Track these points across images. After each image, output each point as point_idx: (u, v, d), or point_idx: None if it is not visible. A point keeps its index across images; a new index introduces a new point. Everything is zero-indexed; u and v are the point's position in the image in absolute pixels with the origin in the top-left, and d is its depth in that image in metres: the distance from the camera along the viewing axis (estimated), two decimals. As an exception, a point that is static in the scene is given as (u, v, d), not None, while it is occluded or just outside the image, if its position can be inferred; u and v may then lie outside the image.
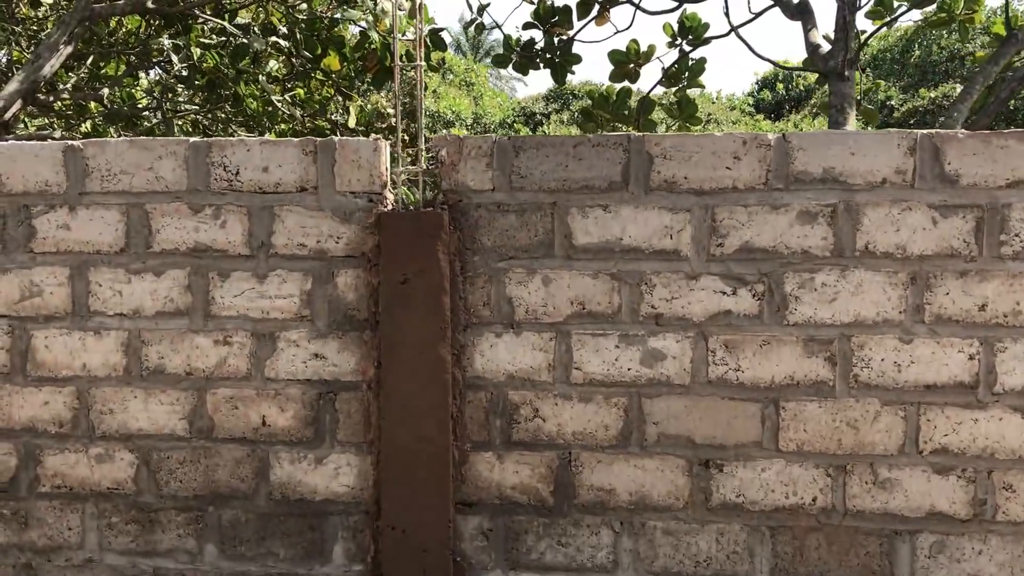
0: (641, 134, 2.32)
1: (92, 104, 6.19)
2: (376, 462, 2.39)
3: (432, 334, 2.34)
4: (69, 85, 5.56)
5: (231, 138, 2.43)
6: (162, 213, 2.41)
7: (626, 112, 6.11)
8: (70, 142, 2.45)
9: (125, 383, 2.43)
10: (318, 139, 2.40)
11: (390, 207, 2.44)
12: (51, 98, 5.06)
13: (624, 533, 2.32)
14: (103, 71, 5.84)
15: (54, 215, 2.44)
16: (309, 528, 2.41)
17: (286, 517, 2.41)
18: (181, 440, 2.43)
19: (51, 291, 2.44)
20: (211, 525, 2.43)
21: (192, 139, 2.44)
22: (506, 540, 2.35)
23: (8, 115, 3.99)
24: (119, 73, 5.93)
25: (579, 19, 6.60)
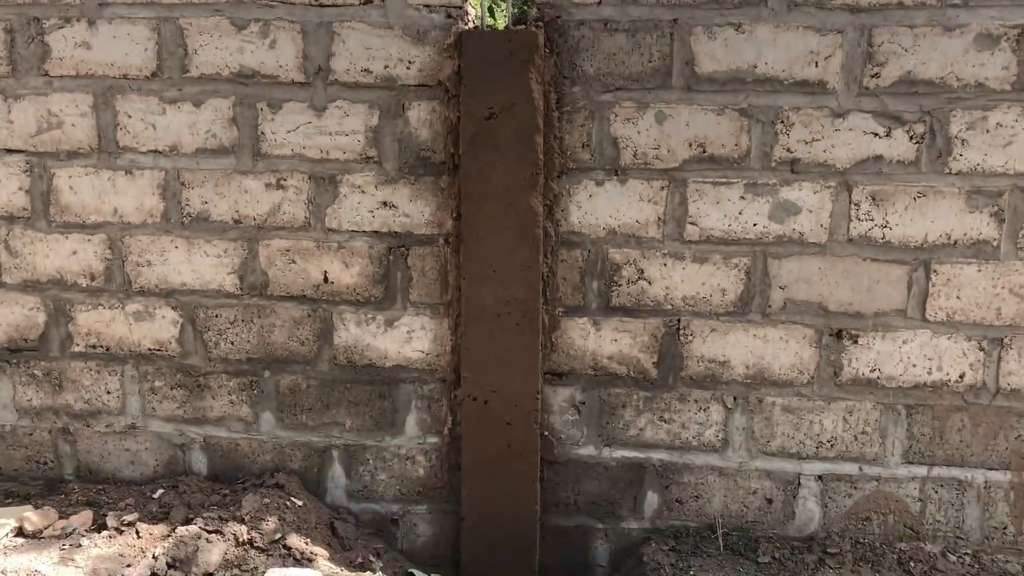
0: (788, -67, 1.98)
1: None
2: (454, 326, 2.21)
3: (521, 181, 2.11)
4: None
5: (279, -65, 2.11)
6: (199, 29, 2.13)
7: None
8: (84, -62, 2.14)
9: (163, 231, 2.24)
10: (385, -63, 2.07)
11: (472, 25, 2.14)
12: None
13: (737, 409, 2.17)
14: None
15: (71, 30, 2.17)
16: (378, 396, 2.27)
17: (352, 384, 2.27)
18: (231, 297, 2.26)
19: (72, 122, 2.21)
20: (267, 391, 2.29)
21: (232, -64, 2.12)
22: (600, 414, 2.21)
23: None
24: None
25: None
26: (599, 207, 2.18)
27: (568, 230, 2.21)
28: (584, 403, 2.28)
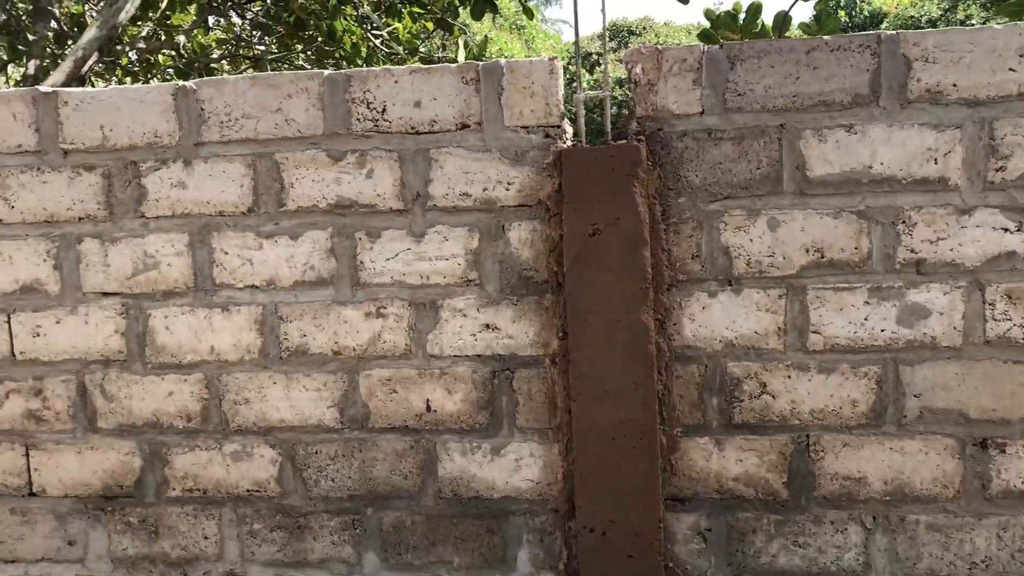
0: (895, 31, 2.01)
1: (160, 58, 6.00)
2: (565, 452, 2.17)
3: (630, 296, 2.10)
4: (142, 33, 5.35)
5: (374, 68, 2.20)
6: (295, 163, 2.20)
7: (756, 31, 5.70)
8: (180, 83, 2.24)
9: (261, 367, 2.25)
10: (479, 63, 2.14)
11: (570, 143, 2.18)
12: (126, 47, 4.85)
13: (878, 530, 2.08)
14: (170, 20, 5.62)
15: (167, 172, 2.24)
16: (487, 531, 2.22)
17: (459, 518, 2.22)
18: (331, 432, 2.25)
19: (168, 262, 2.26)
20: (370, 530, 2.25)
21: (327, 72, 2.21)
22: (728, 541, 2.13)
23: (86, 68, 3.81)
24: (191, 21, 5.72)
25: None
26: (714, 319, 2.16)
27: (682, 344, 2.18)
28: (710, 530, 2.21)
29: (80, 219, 2.32)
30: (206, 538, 2.36)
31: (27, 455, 2.40)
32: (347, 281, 2.25)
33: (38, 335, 2.36)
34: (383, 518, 2.30)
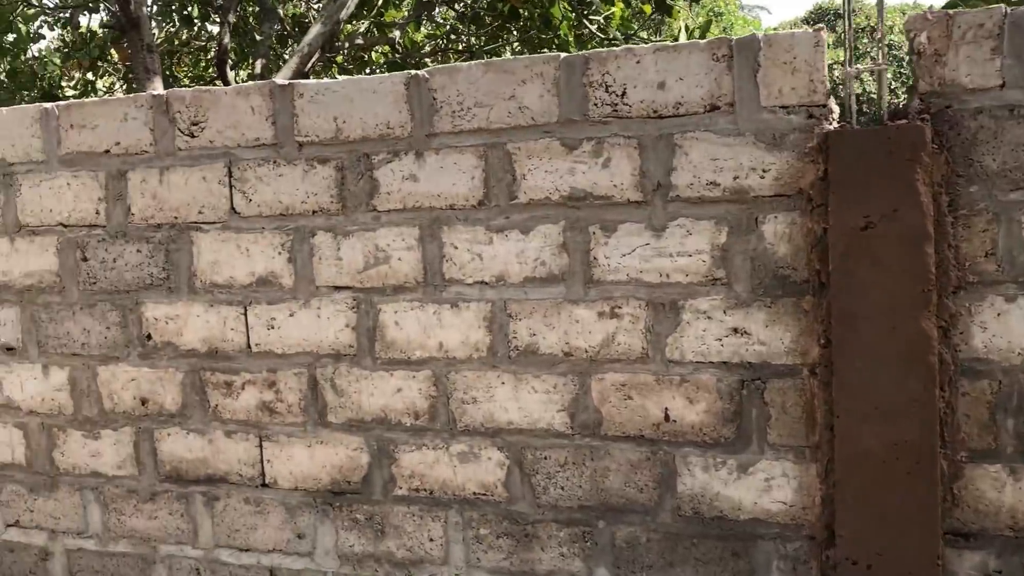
0: None
1: (373, 55, 6.23)
2: (824, 473, 1.96)
3: (908, 299, 1.86)
4: (359, 30, 5.55)
5: (614, 48, 2.06)
6: (528, 153, 2.10)
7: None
8: (413, 72, 2.20)
9: (489, 366, 2.18)
10: (732, 38, 1.95)
11: (837, 124, 1.95)
12: (344, 44, 5.05)
13: None
14: (384, 17, 5.80)
15: (399, 164, 2.21)
16: (732, 554, 2.04)
17: (700, 539, 2.06)
18: (561, 437, 2.14)
19: (399, 256, 2.24)
20: (602, 544, 2.13)
21: (563, 55, 2.09)
22: (1025, 587, 1.83)
23: (308, 65, 3.97)
24: (403, 16, 5.88)
25: None
26: (1012, 328, 1.87)
27: (970, 356, 1.91)
28: (1000, 572, 1.92)
29: (313, 212, 2.35)
30: (431, 540, 2.33)
31: (260, 446, 2.47)
32: (579, 278, 2.14)
33: (272, 327, 2.42)
34: (616, 532, 2.17)
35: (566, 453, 2.19)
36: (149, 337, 2.53)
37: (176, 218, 2.47)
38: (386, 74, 2.29)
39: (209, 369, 2.49)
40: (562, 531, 2.21)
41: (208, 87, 2.47)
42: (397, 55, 5.82)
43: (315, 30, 4.07)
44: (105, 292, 2.56)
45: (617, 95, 2.08)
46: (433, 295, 2.26)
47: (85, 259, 2.57)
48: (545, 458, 2.21)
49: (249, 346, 2.44)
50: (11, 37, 5.40)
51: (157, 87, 4.72)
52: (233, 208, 2.42)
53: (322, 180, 2.33)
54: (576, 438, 2.18)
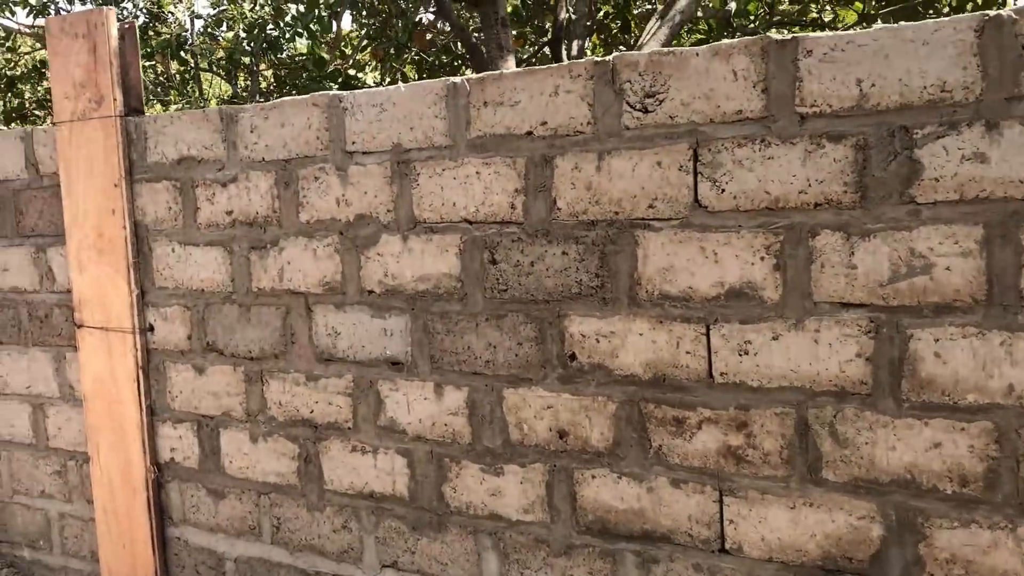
0: None
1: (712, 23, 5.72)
2: None
3: None
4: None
5: None
6: None
7: None
8: (992, 13, 1.58)
9: (1092, 421, 1.53)
10: None
11: None
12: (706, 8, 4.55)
13: None
14: None
15: (956, 139, 1.64)
16: None
17: None
18: None
19: (947, 265, 1.69)
20: None
21: None
22: None
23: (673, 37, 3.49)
24: None
25: None
26: None
27: None
28: None
29: (816, 205, 1.80)
30: (980, 650, 1.72)
31: (720, 501, 1.96)
32: None
33: (746, 353, 1.89)
34: None
35: None
36: (573, 357, 2.08)
37: (617, 213, 2.00)
38: (947, 18, 1.69)
39: (653, 400, 2.00)
40: None
41: (671, 49, 1.97)
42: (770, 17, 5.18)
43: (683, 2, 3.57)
44: (518, 301, 2.13)
45: None
46: (1001, 319, 1.65)
47: (494, 262, 2.15)
48: None
49: (711, 375, 1.93)
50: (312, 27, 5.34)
51: (510, 66, 4.41)
52: (697, 200, 1.91)
53: (832, 163, 1.77)
54: None
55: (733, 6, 4.98)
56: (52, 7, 7.28)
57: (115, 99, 2.67)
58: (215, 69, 7.98)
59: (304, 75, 6.44)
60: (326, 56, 6.40)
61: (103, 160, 2.70)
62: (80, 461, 2.96)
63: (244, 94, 8.53)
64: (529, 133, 2.08)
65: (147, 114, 2.71)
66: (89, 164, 2.73)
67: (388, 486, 2.38)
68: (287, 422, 2.51)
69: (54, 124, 2.81)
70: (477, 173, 2.16)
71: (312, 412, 2.47)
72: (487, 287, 2.17)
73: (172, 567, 2.80)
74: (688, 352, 1.96)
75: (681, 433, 1.98)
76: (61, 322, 2.92)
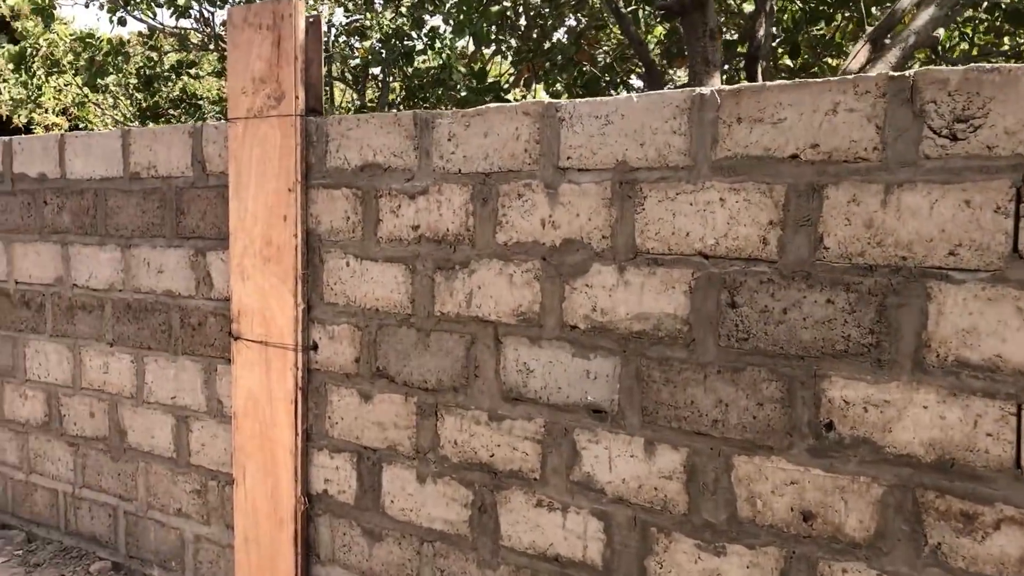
0: None
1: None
2: None
3: None
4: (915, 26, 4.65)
5: None
6: None
7: None
8: None
9: None
10: None
11: None
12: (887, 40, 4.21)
13: None
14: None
15: None
16: None
17: None
18: None
19: None
20: None
21: None
22: None
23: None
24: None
25: None
26: None
27: None
28: None
29: None
30: None
31: (1021, 622, 1.57)
32: None
33: (1072, 443, 1.51)
34: None
35: None
36: (829, 427, 1.74)
37: (904, 259, 1.65)
38: None
39: (934, 488, 1.65)
40: None
41: (994, 66, 1.62)
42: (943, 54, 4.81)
43: (927, 14, 3.21)
44: (762, 354, 1.81)
45: None
46: None
47: (734, 304, 1.83)
48: None
49: (1018, 464, 1.56)
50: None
51: (716, 83, 4.13)
52: (1017, 250, 1.55)
53: None
54: None
55: (941, 32, 4.56)
56: (196, 6, 7.34)
57: (297, 96, 2.47)
58: (346, 75, 7.94)
59: (440, 89, 6.28)
60: (462, 70, 6.23)
61: (278, 161, 2.50)
62: (223, 482, 2.76)
63: (371, 104, 8.46)
64: (794, 156, 1.76)
65: (329, 116, 2.50)
66: (262, 165, 2.53)
67: (577, 551, 2.07)
68: (461, 464, 2.24)
69: (226, 121, 2.64)
70: (721, 200, 1.85)
71: (492, 456, 2.19)
72: (723, 334, 1.86)
73: (315, 609, 2.55)
74: (989, 434, 1.60)
75: (970, 531, 1.62)
76: (215, 332, 2.73)
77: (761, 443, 1.83)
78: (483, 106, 2.19)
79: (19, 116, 10.14)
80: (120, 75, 7.84)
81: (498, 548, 2.19)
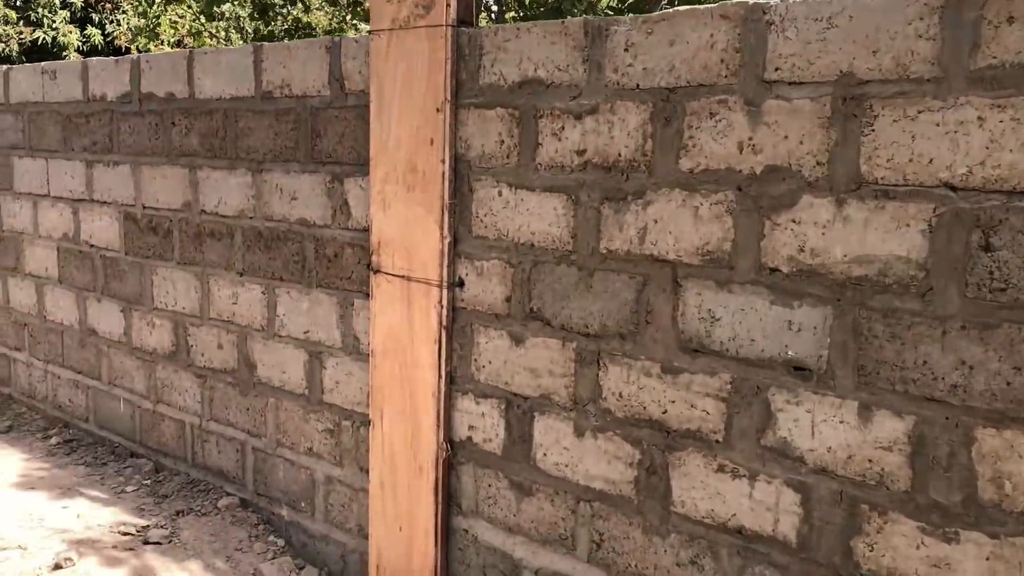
0: None
1: None
2: None
3: None
4: None
5: None
6: None
7: None
8: None
9: None
10: None
11: None
12: None
13: None
14: None
15: None
16: None
17: None
18: None
19: None
20: None
21: None
22: None
23: None
24: None
25: None
26: None
27: None
28: None
29: None
30: None
31: None
32: None
33: None
34: None
35: None
36: (1114, 400, 1.40)
37: None
38: None
39: None
40: None
41: None
42: None
43: None
44: (1018, 307, 1.48)
45: None
46: None
47: (988, 248, 1.51)
48: None
49: None
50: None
51: None
52: None
53: None
54: None
55: None
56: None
57: (448, 4, 2.20)
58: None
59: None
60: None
61: (426, 78, 2.25)
62: (357, 423, 2.60)
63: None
64: (1088, 65, 1.39)
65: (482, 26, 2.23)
66: (408, 82, 2.29)
67: (767, 524, 1.81)
68: (627, 419, 2.00)
69: (368, 33, 2.39)
70: (979, 119, 1.50)
71: (665, 413, 1.94)
72: (971, 282, 1.53)
73: (454, 563, 2.38)
74: None
75: None
76: (352, 264, 2.54)
77: (1015, 415, 1.51)
78: (670, 9, 1.87)
79: (137, 45, 10.23)
80: (235, 3, 7.75)
81: (668, 514, 1.95)
